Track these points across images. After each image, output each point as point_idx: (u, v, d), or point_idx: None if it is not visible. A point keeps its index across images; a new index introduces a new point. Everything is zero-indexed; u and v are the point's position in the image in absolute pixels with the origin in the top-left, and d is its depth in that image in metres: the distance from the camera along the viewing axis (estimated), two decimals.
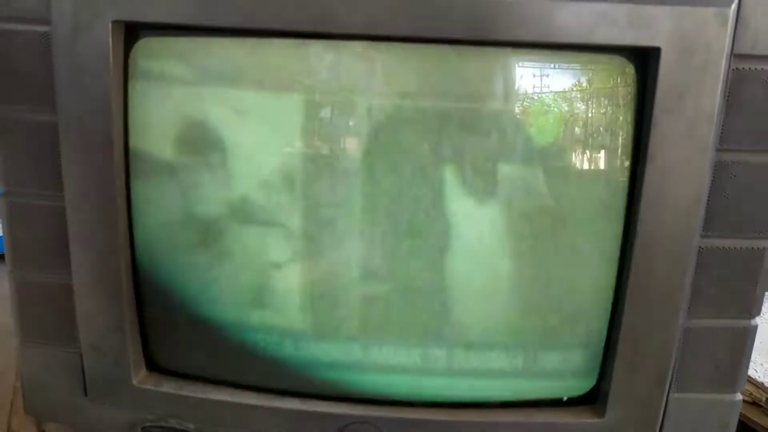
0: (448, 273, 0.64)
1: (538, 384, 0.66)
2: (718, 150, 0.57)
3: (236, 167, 0.61)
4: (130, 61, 0.58)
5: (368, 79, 0.60)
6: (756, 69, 0.55)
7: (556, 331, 0.65)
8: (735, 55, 0.55)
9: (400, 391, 0.67)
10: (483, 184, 0.61)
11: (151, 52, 0.59)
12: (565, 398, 0.66)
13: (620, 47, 0.56)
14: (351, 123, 0.60)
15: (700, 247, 0.60)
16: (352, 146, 0.61)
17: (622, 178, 0.60)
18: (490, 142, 0.60)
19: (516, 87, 0.59)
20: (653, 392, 0.63)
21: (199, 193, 0.62)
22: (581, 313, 0.65)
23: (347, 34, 0.56)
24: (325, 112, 0.60)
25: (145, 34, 0.58)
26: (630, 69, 0.57)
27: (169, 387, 0.67)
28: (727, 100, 0.56)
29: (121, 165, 0.60)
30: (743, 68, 0.55)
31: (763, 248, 0.60)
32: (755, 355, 0.80)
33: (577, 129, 0.60)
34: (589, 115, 0.60)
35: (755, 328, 0.63)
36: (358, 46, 0.58)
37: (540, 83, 0.58)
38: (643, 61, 0.56)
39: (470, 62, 0.59)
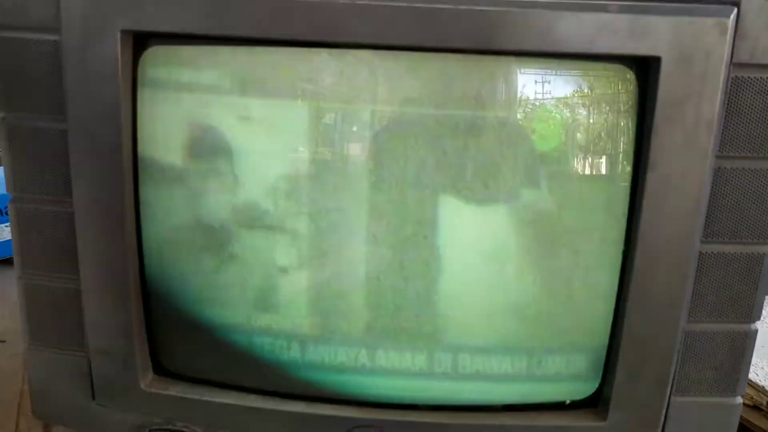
0: (452, 278, 0.65)
1: (541, 387, 0.67)
2: (717, 157, 0.58)
3: (243, 174, 0.62)
4: (139, 69, 0.59)
5: (374, 87, 0.61)
6: (755, 77, 0.56)
7: (559, 335, 0.66)
8: (734, 64, 0.55)
9: (404, 394, 0.68)
10: (487, 190, 0.62)
11: (159, 61, 0.60)
12: (567, 401, 0.67)
13: (621, 56, 0.57)
14: (357, 130, 0.61)
15: (700, 252, 0.60)
16: (358, 153, 0.61)
17: (624, 184, 0.60)
18: (494, 149, 0.61)
19: (519, 94, 0.59)
20: (655, 395, 0.64)
21: (207, 199, 0.63)
22: (584, 318, 0.65)
23: (354, 44, 0.57)
24: (332, 120, 0.61)
25: (153, 43, 0.59)
26: (631, 77, 0.58)
27: (176, 390, 0.67)
28: (727, 108, 0.57)
29: (130, 171, 0.61)
30: (742, 77, 0.56)
31: (763, 253, 0.61)
32: (756, 359, 0.81)
33: (578, 135, 0.61)
34: (591, 122, 0.61)
35: (755, 332, 0.64)
36: (364, 54, 0.59)
37: (543, 91, 0.59)
38: (644, 69, 0.57)
39: (475, 70, 0.59)
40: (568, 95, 0.60)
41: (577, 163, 0.62)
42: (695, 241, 0.59)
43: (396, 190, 0.62)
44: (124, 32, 0.56)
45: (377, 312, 0.66)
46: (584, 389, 0.66)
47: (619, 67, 0.58)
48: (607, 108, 0.60)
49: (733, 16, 0.54)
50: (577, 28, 0.54)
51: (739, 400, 0.66)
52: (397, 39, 0.56)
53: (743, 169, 0.58)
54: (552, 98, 0.60)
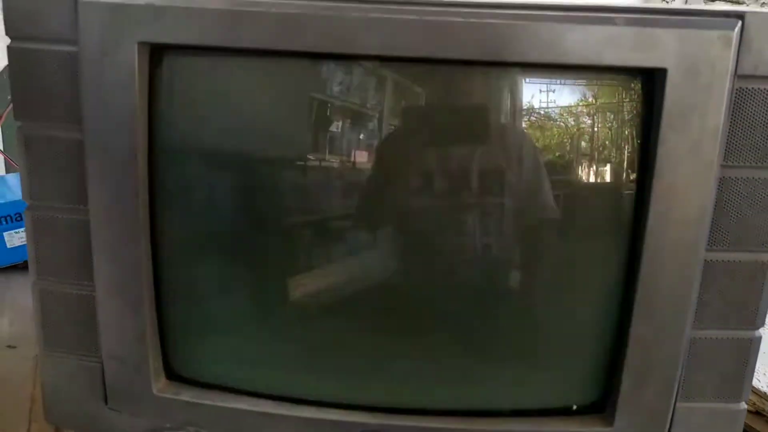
0: (459, 284, 0.66)
1: (548, 393, 0.68)
2: (722, 166, 0.59)
3: (257, 181, 0.63)
4: (155, 79, 0.60)
5: (383, 97, 0.62)
6: (759, 89, 0.57)
7: (566, 341, 0.67)
8: (738, 76, 0.56)
9: (413, 400, 0.68)
10: (493, 197, 0.63)
11: (174, 71, 0.61)
12: (574, 407, 0.68)
13: (628, 68, 0.58)
14: (365, 138, 0.62)
15: (705, 260, 0.61)
16: (366, 161, 0.62)
17: (630, 193, 0.61)
18: (501, 157, 0.62)
19: (527, 104, 0.60)
20: (660, 401, 0.65)
21: (221, 207, 0.64)
22: (590, 324, 0.66)
23: (365, 55, 0.58)
24: (342, 128, 0.62)
25: (169, 54, 0.60)
26: (637, 87, 0.59)
27: (188, 395, 0.68)
28: (731, 119, 0.57)
29: (145, 179, 0.62)
30: (746, 88, 0.57)
31: (767, 261, 0.62)
32: (758, 365, 0.81)
33: (584, 145, 0.62)
34: (598, 131, 0.62)
35: (759, 338, 0.64)
36: (374, 65, 0.60)
37: (550, 100, 0.60)
38: (650, 80, 0.58)
39: (483, 80, 0.61)
40: (574, 105, 0.61)
41: (584, 171, 0.63)
42: (700, 248, 0.60)
43: (403, 197, 0.63)
44: (141, 44, 0.57)
45: (387, 318, 0.67)
46: (591, 395, 0.67)
47: (625, 78, 0.59)
48: (613, 117, 0.61)
49: (737, 29, 0.55)
50: (584, 41, 0.55)
51: (744, 405, 0.67)
52: (408, 51, 0.57)
53: (748, 178, 0.59)
54: (558, 108, 0.61)
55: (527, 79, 0.60)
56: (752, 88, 0.57)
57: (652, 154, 0.58)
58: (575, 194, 0.64)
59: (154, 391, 0.67)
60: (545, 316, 0.66)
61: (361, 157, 0.62)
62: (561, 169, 0.63)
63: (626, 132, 0.61)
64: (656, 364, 0.63)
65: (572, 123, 0.61)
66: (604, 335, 0.65)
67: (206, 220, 0.65)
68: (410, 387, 0.68)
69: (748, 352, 0.64)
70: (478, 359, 0.67)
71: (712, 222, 0.60)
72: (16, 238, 1.15)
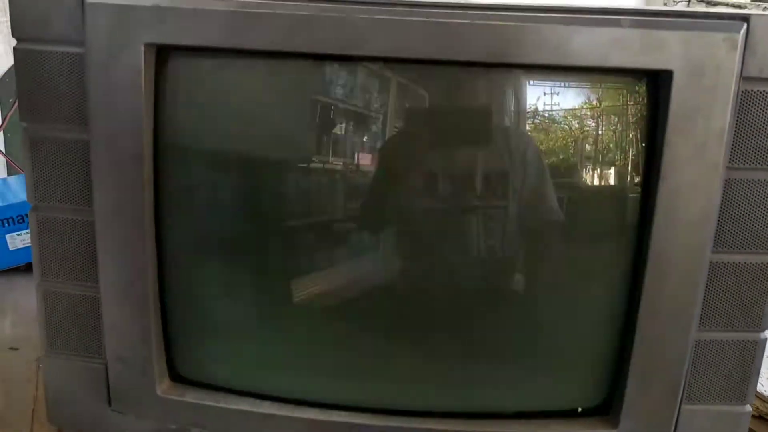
0: (463, 287, 0.66)
1: (553, 395, 0.68)
2: (728, 168, 0.59)
3: (262, 184, 0.63)
4: (161, 81, 0.60)
5: (388, 98, 0.62)
6: (764, 91, 0.57)
7: (571, 343, 0.67)
8: (744, 78, 0.57)
9: (416, 401, 0.68)
10: (498, 200, 0.63)
11: (180, 73, 0.61)
12: (579, 409, 0.68)
13: (634, 70, 0.58)
14: (370, 140, 0.62)
15: (711, 262, 0.61)
16: (371, 162, 0.62)
17: (635, 195, 0.61)
18: (506, 158, 0.62)
19: (534, 106, 0.61)
20: (665, 403, 0.65)
21: (225, 208, 0.64)
22: (596, 326, 0.66)
23: (371, 57, 0.58)
24: (347, 129, 0.62)
25: (175, 55, 0.60)
26: (642, 89, 0.59)
27: (191, 397, 0.68)
28: (737, 121, 0.58)
29: (151, 181, 0.62)
30: (752, 90, 0.57)
31: None
32: (762, 369, 0.81)
33: (590, 147, 0.62)
34: (603, 133, 0.62)
35: (764, 341, 0.64)
36: (379, 67, 0.60)
37: (555, 102, 0.60)
38: (656, 82, 0.58)
39: (489, 82, 0.61)
40: (580, 107, 0.61)
41: (589, 174, 0.63)
42: (706, 250, 0.60)
43: (407, 197, 0.63)
44: (147, 45, 0.58)
45: (390, 320, 0.67)
46: (596, 397, 0.67)
47: (631, 80, 0.60)
48: (618, 120, 0.61)
49: (742, 31, 0.55)
50: (591, 43, 0.56)
51: (748, 408, 0.67)
52: (414, 53, 0.57)
53: (753, 180, 0.59)
54: (564, 110, 0.61)
55: (533, 82, 0.60)
56: (757, 90, 0.57)
57: (658, 156, 0.58)
58: (580, 197, 0.64)
59: (158, 392, 0.67)
60: (550, 318, 0.66)
61: (366, 159, 0.62)
62: (566, 172, 0.63)
63: (632, 134, 0.61)
64: (661, 367, 0.63)
65: (577, 125, 0.61)
66: (610, 337, 0.65)
67: (211, 222, 0.65)
68: (413, 389, 0.68)
69: (753, 354, 0.65)
70: (483, 361, 0.67)
71: (718, 224, 0.60)
72: (18, 240, 1.15)
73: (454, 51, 0.56)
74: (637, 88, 0.60)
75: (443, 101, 0.62)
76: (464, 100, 0.62)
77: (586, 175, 0.63)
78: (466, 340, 0.67)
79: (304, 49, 0.57)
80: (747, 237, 0.61)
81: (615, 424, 0.65)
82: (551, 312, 0.66)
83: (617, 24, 0.55)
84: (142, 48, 0.57)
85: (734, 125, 0.58)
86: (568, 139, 0.62)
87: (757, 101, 0.57)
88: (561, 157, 0.62)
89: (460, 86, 0.61)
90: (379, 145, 0.61)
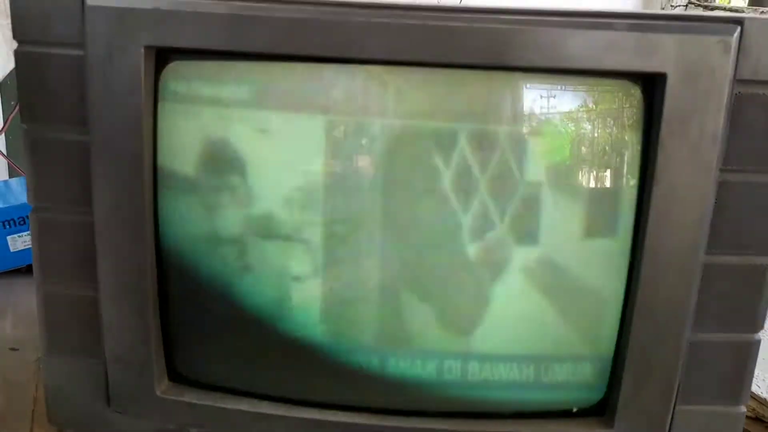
0: (462, 287, 0.66)
1: (549, 395, 0.68)
2: (722, 170, 0.59)
3: (260, 185, 0.63)
4: (160, 83, 0.61)
5: (386, 101, 0.62)
6: (757, 93, 0.58)
7: (566, 344, 0.67)
8: (737, 81, 0.57)
9: (413, 401, 0.69)
10: (493, 200, 0.63)
11: (180, 75, 0.61)
12: (574, 409, 0.68)
13: (628, 73, 0.58)
14: (369, 143, 0.63)
15: (705, 263, 0.61)
16: (370, 165, 0.63)
17: (630, 197, 0.62)
18: (501, 161, 0.63)
19: (528, 109, 0.61)
20: (660, 404, 0.65)
21: (224, 210, 0.64)
22: (591, 327, 0.67)
23: (369, 59, 0.59)
24: (346, 133, 0.62)
25: (174, 58, 0.60)
26: (637, 92, 0.60)
27: (190, 397, 0.68)
28: (731, 123, 0.58)
29: (150, 182, 0.62)
30: (745, 93, 0.58)
31: (766, 265, 0.62)
32: (758, 371, 0.81)
33: (585, 149, 0.63)
34: (597, 135, 0.62)
35: (758, 342, 0.65)
36: (377, 70, 0.60)
37: (551, 105, 0.61)
38: (650, 85, 0.58)
39: (485, 84, 0.61)
40: (575, 110, 0.61)
41: (584, 175, 0.64)
42: (700, 252, 0.61)
43: (406, 201, 0.64)
44: (147, 48, 0.58)
45: (388, 320, 0.68)
46: (591, 397, 0.67)
47: (625, 83, 0.60)
48: (613, 122, 0.62)
49: (736, 34, 0.56)
50: (585, 46, 0.56)
51: (743, 409, 0.67)
52: (411, 55, 0.57)
53: (747, 182, 0.60)
54: (559, 113, 0.61)
55: (528, 84, 0.61)
56: (751, 93, 0.58)
57: (652, 158, 0.58)
58: (575, 198, 0.64)
59: (158, 392, 0.68)
60: (545, 319, 0.66)
61: (362, 163, 0.62)
62: (561, 174, 0.64)
63: (626, 136, 0.62)
64: (656, 367, 0.64)
65: (572, 127, 0.62)
66: (604, 338, 0.65)
67: (210, 223, 0.65)
68: (410, 388, 0.68)
69: (747, 356, 0.65)
70: (478, 361, 0.68)
71: (712, 226, 0.60)
72: (19, 242, 1.16)
73: (450, 54, 0.57)
74: (631, 91, 0.60)
75: (439, 104, 0.63)
76: (460, 103, 0.63)
77: (581, 177, 0.64)
78: (464, 340, 0.68)
79: (302, 52, 0.58)
80: (740, 239, 0.61)
81: (610, 424, 0.66)
82: (546, 313, 0.66)
83: (611, 27, 0.56)
84: (142, 50, 0.58)
85: (728, 127, 0.58)
86: (564, 141, 0.62)
87: (751, 103, 0.58)
88: (556, 159, 0.63)
89: (456, 88, 0.62)
90: (374, 147, 0.62)
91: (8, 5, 0.60)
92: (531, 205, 0.63)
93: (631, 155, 0.61)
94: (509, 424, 0.68)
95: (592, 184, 0.64)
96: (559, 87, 0.61)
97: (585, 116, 0.62)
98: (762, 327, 0.65)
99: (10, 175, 1.51)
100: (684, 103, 0.57)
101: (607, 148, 0.63)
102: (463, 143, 0.62)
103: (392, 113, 0.62)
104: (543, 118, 0.61)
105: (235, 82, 0.62)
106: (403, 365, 0.67)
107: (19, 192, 1.22)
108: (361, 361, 0.68)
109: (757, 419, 0.83)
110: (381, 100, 0.62)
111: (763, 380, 0.86)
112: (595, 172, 0.64)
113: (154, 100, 0.61)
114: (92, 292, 0.66)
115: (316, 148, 0.63)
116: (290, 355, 0.68)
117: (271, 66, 0.61)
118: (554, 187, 0.63)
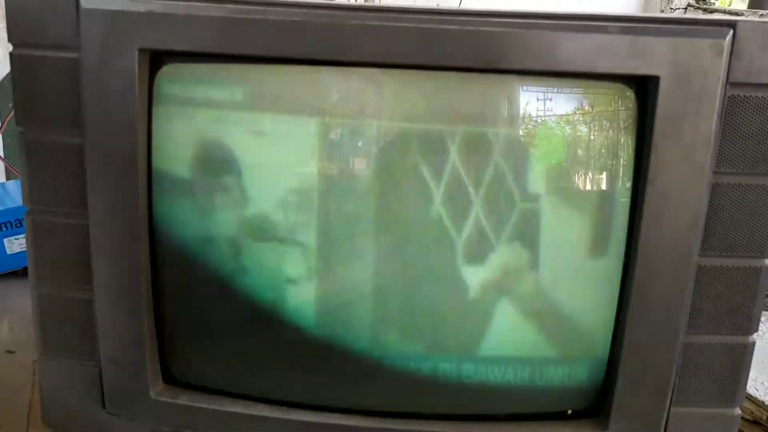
0: (456, 289, 0.66)
1: (544, 397, 0.68)
2: (715, 173, 0.59)
3: (254, 187, 0.64)
4: (155, 85, 0.61)
5: (380, 104, 0.62)
6: (750, 96, 0.58)
7: (561, 346, 0.67)
8: (730, 83, 0.57)
9: (408, 403, 0.69)
10: (487, 202, 0.63)
11: (174, 78, 0.61)
12: (569, 412, 0.68)
13: (621, 75, 0.58)
14: (363, 145, 0.63)
15: (698, 265, 0.62)
16: (364, 167, 0.63)
17: (623, 199, 0.62)
18: (495, 163, 0.63)
19: (522, 112, 0.61)
20: (655, 406, 0.65)
21: (219, 212, 0.65)
22: (585, 329, 0.67)
23: (363, 62, 0.59)
24: (340, 135, 0.63)
25: (168, 61, 0.61)
26: (630, 95, 0.60)
27: (185, 399, 0.68)
28: (723, 126, 0.58)
29: (145, 184, 0.62)
30: (738, 95, 0.58)
31: (759, 267, 0.62)
32: (755, 374, 0.81)
33: (579, 152, 0.63)
34: (591, 138, 0.62)
35: (753, 344, 0.65)
36: (371, 72, 0.61)
37: (545, 108, 0.61)
38: (643, 88, 0.59)
39: (478, 87, 0.61)
40: (569, 113, 0.62)
41: (578, 178, 0.64)
42: (693, 254, 0.61)
43: (400, 203, 0.64)
44: (141, 51, 0.58)
45: (383, 323, 0.68)
46: (586, 400, 0.68)
47: (618, 86, 0.60)
48: (607, 125, 0.62)
49: (729, 37, 0.56)
50: (579, 49, 0.56)
51: (738, 411, 0.67)
52: (405, 58, 0.58)
53: (740, 184, 0.60)
54: (553, 115, 0.61)
55: (522, 87, 0.61)
56: (744, 95, 0.58)
57: (645, 161, 0.59)
58: (568, 200, 0.64)
59: (152, 395, 0.68)
60: (540, 322, 0.67)
61: (356, 165, 0.63)
62: (555, 176, 0.64)
63: (619, 139, 0.62)
64: (650, 369, 0.64)
65: (567, 130, 0.62)
66: (599, 340, 0.65)
67: (205, 225, 0.65)
68: (405, 391, 0.68)
69: (741, 357, 0.65)
70: (473, 364, 0.68)
71: (705, 228, 0.61)
72: (15, 244, 1.16)
73: (444, 57, 0.57)
74: (625, 93, 0.60)
75: (433, 107, 0.63)
76: (454, 105, 0.63)
77: (575, 179, 0.64)
78: (459, 343, 0.68)
79: (296, 54, 0.58)
80: (734, 241, 0.61)
81: (605, 426, 0.66)
82: (541, 315, 0.66)
83: (605, 30, 0.56)
84: (137, 53, 0.58)
85: (721, 130, 0.58)
86: (558, 144, 0.62)
87: (744, 106, 0.58)
88: (551, 162, 0.63)
89: (450, 91, 0.62)
90: (368, 149, 0.62)
91: (4, 8, 0.60)
92: (524, 208, 0.63)
93: (625, 158, 0.62)
94: (504, 426, 0.68)
95: (586, 187, 0.64)
96: (552, 90, 0.61)
97: (579, 119, 0.62)
98: (756, 329, 0.65)
99: (7, 178, 1.51)
100: (677, 106, 0.57)
101: (601, 150, 0.63)
102: (457, 146, 0.62)
103: (386, 116, 0.62)
104: (537, 120, 0.62)
105: (229, 84, 0.62)
106: (398, 367, 0.67)
107: (16, 194, 1.22)
108: (355, 364, 0.68)
109: (754, 422, 0.83)
110: (375, 103, 0.62)
111: (761, 383, 0.86)
112: (588, 175, 0.64)
113: (148, 102, 0.61)
114: (87, 294, 0.66)
115: (309, 150, 0.63)
116: (285, 357, 0.69)
117: (265, 69, 0.61)
118: (548, 189, 0.64)
